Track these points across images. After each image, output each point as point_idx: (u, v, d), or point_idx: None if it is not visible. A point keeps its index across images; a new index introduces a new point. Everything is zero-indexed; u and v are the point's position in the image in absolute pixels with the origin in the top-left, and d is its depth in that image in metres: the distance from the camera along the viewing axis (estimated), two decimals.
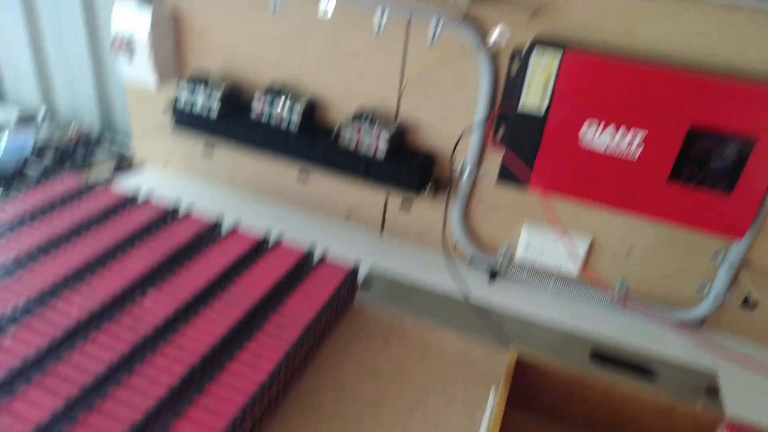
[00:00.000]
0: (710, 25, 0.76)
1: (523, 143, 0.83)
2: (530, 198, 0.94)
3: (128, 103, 1.15)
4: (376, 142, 0.89)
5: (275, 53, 0.98)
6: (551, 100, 0.79)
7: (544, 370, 0.70)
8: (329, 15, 0.88)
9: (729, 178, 0.77)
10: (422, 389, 0.73)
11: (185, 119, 0.97)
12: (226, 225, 0.86)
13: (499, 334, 0.86)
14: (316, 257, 0.83)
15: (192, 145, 1.08)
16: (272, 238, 0.85)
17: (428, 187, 0.91)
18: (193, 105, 0.95)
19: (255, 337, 0.67)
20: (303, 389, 0.70)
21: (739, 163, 0.76)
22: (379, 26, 0.88)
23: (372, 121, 0.90)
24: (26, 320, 0.63)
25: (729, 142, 0.76)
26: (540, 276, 0.98)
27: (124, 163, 1.16)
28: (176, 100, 0.98)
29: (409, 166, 0.90)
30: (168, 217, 0.86)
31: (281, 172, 1.06)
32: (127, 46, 0.92)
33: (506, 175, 0.86)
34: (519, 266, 0.99)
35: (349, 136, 0.91)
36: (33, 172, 1.07)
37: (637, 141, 0.79)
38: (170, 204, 0.88)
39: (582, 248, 0.94)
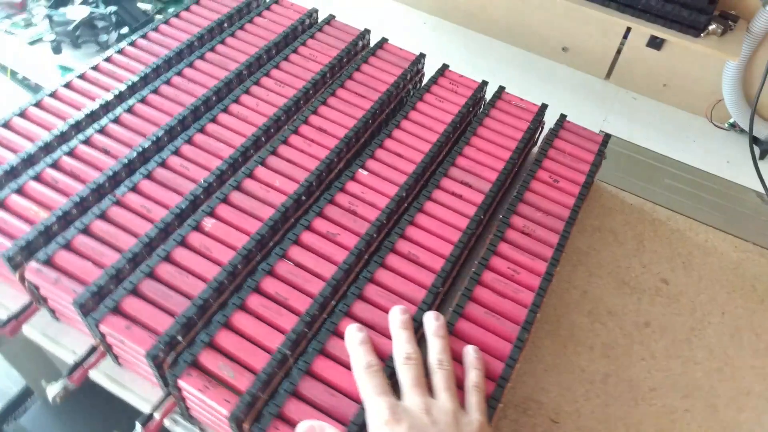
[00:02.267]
0: None
1: None
2: None
3: None
4: None
5: None
6: None
7: None
8: None
9: None
10: (695, 311, 0.55)
11: None
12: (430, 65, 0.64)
13: None
14: (552, 118, 0.61)
15: None
16: (491, 90, 0.62)
17: (718, 25, 0.62)
18: None
19: (508, 235, 0.49)
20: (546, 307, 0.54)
21: None
22: None
23: None
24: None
25: None
26: None
27: None
28: None
29: None
30: (359, 45, 0.65)
31: None
32: None
33: None
34: None
35: None
36: None
37: None
38: (358, 31, 0.66)
39: None
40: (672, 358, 0.52)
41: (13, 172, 0.49)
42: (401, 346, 0.39)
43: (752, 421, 0.49)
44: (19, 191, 0.47)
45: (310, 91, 0.59)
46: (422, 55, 0.63)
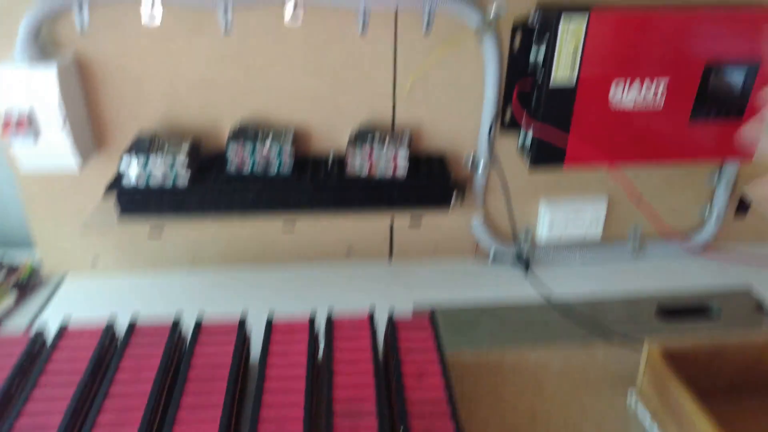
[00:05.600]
0: None
1: (555, 119, 0.76)
2: (542, 175, 0.89)
3: (23, 200, 0.81)
4: (393, 162, 0.75)
5: (234, 85, 0.77)
6: (580, 67, 0.73)
7: (685, 353, 0.66)
8: (299, 21, 0.70)
9: (739, 103, 0.79)
10: (565, 421, 0.65)
11: (140, 199, 0.71)
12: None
13: (578, 328, 0.80)
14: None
15: (132, 231, 0.78)
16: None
17: (456, 194, 0.80)
18: (149, 177, 0.69)
19: None
20: None
21: (747, 87, 0.78)
22: (363, 24, 0.72)
23: (381, 139, 0.75)
24: None
25: (737, 70, 0.77)
26: (565, 250, 0.94)
27: (28, 284, 0.83)
28: (121, 179, 0.71)
29: (432, 178, 0.77)
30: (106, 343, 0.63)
31: (260, 228, 0.86)
32: (28, 125, 0.63)
33: (541, 155, 0.78)
34: (544, 247, 0.93)
35: (360, 162, 0.75)
36: None
37: (661, 90, 0.76)
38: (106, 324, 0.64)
39: (603, 209, 0.91)
40: None
41: None
42: None
43: None
44: None
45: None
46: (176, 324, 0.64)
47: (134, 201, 0.71)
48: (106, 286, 0.84)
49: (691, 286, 0.90)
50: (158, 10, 0.67)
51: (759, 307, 0.87)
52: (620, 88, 0.75)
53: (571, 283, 0.89)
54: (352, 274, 0.90)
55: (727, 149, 0.83)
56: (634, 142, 0.80)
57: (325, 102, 0.79)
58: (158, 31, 0.71)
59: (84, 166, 0.73)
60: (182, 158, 0.69)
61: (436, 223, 0.89)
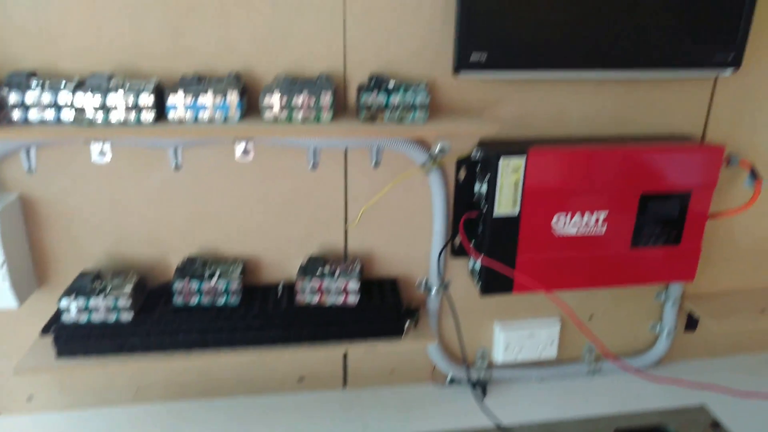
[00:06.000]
0: (621, 100, 0.82)
1: (500, 249, 0.78)
2: (496, 298, 0.89)
3: None
4: (344, 292, 0.75)
5: (183, 220, 0.77)
6: (522, 201, 0.76)
7: None
8: (250, 156, 0.71)
9: (676, 230, 0.83)
10: None
11: (79, 339, 0.68)
12: None
13: None
14: None
15: (71, 368, 0.73)
16: None
17: (410, 321, 0.80)
18: (91, 313, 0.67)
19: None
20: None
21: (682, 215, 0.82)
22: (314, 164, 0.74)
23: (332, 269, 0.75)
24: None
25: (671, 200, 0.81)
26: (522, 369, 0.93)
27: None
28: (60, 316, 0.68)
29: (384, 306, 0.77)
30: None
31: (207, 360, 0.83)
32: None
33: (490, 284, 0.80)
34: (500, 367, 0.92)
35: (310, 292, 0.74)
36: None
37: (601, 219, 0.80)
38: None
39: (556, 330, 0.92)
40: None
41: None
42: None
43: None
44: None
45: None
46: None
47: (73, 341, 0.68)
48: (41, 425, 0.79)
49: (647, 405, 0.89)
50: (108, 149, 0.68)
51: (715, 424, 0.87)
52: (562, 219, 0.78)
53: (528, 404, 0.87)
54: (304, 404, 0.87)
55: (668, 273, 0.86)
56: (580, 268, 0.82)
57: (276, 234, 0.80)
58: (106, 169, 0.72)
59: (23, 303, 0.70)
60: (125, 300, 0.67)
61: (391, 348, 0.88)
